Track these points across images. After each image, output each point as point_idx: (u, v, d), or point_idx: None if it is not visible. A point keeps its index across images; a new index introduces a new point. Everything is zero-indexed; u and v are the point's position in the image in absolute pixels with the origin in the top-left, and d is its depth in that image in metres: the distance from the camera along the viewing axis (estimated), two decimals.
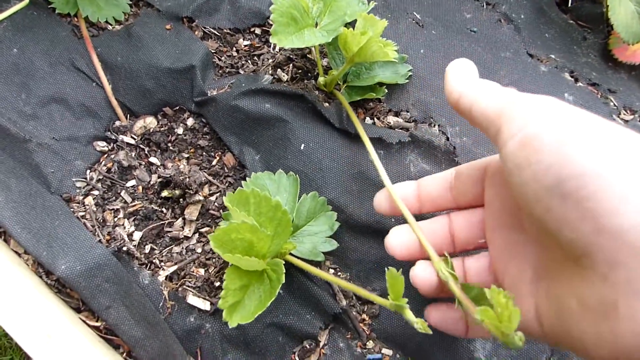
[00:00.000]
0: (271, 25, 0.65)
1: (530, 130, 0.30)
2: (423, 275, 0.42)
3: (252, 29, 0.66)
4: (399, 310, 0.40)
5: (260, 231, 0.44)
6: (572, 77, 0.66)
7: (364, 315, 0.54)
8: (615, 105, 0.64)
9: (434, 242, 0.45)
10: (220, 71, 0.63)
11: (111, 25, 0.64)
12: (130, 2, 0.66)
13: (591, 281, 0.29)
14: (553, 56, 0.67)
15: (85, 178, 0.57)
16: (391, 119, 0.59)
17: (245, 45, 0.65)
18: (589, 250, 0.28)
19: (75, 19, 0.63)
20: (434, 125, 0.59)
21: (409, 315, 0.40)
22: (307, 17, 0.53)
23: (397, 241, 0.45)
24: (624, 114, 0.64)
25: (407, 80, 0.60)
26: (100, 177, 0.57)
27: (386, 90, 0.59)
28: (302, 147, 0.56)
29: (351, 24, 0.53)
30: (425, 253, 0.44)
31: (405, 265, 0.54)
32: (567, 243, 0.29)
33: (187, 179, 0.55)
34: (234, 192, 0.50)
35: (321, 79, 0.59)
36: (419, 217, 0.47)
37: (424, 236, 0.44)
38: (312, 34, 0.53)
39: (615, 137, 0.29)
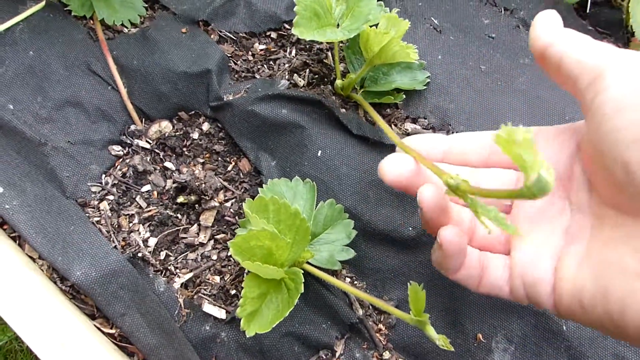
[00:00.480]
0: (287, 29, 0.66)
1: None
2: (430, 194, 0.39)
3: (267, 33, 0.65)
4: (420, 326, 0.40)
5: (280, 239, 0.43)
6: None
7: (381, 325, 0.53)
8: None
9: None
10: (236, 75, 0.62)
11: (127, 28, 0.64)
12: (146, 5, 0.65)
13: None
14: None
15: (101, 182, 0.56)
16: (409, 126, 0.59)
17: (261, 50, 0.64)
18: None
19: (91, 21, 0.63)
20: (452, 132, 0.58)
21: (431, 331, 0.40)
22: (329, 16, 0.53)
23: (393, 166, 0.42)
24: None
25: (425, 87, 0.60)
26: (116, 181, 0.56)
27: (404, 96, 0.59)
28: (319, 154, 0.56)
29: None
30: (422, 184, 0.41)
31: (426, 279, 0.54)
32: None
33: (203, 185, 0.54)
34: (249, 198, 0.50)
35: (339, 82, 0.59)
36: None
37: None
38: (333, 31, 0.52)
39: None
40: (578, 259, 0.35)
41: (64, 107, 0.58)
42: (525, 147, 0.27)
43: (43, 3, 0.61)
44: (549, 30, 0.38)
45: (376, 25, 0.51)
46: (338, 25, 0.54)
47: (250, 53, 0.64)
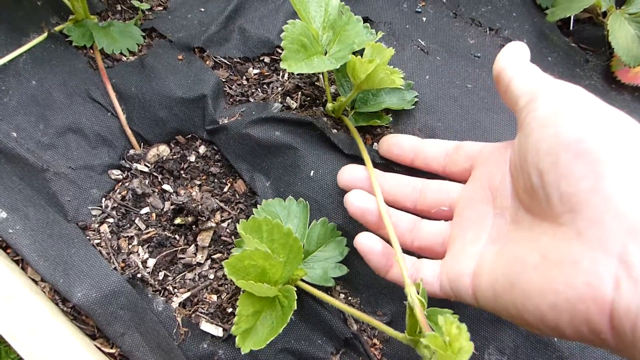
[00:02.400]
0: (280, 53, 0.68)
1: (565, 99, 0.37)
2: (368, 243, 0.48)
3: (261, 58, 0.68)
4: (412, 345, 0.41)
5: (273, 258, 0.45)
6: None
7: (375, 340, 0.54)
8: None
9: (400, 193, 0.51)
10: (231, 99, 0.65)
11: (125, 56, 0.66)
12: (144, 34, 0.68)
13: (563, 237, 0.33)
14: None
15: (101, 206, 0.58)
16: None
17: (255, 74, 0.67)
18: (578, 206, 0.32)
19: (91, 50, 0.66)
20: None
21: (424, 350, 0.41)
22: (316, 44, 0.55)
23: (358, 204, 0.50)
24: None
25: (414, 106, 0.62)
26: (115, 204, 0.58)
27: (391, 118, 0.60)
28: (311, 174, 0.57)
29: (359, 52, 0.55)
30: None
31: None
32: (559, 197, 0.34)
33: (200, 206, 0.56)
34: (245, 219, 0.51)
35: (329, 105, 0.61)
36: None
37: (389, 215, 0.49)
38: (321, 61, 0.54)
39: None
40: (493, 256, 0.39)
41: (65, 133, 0.60)
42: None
43: (45, 34, 0.64)
44: (506, 57, 0.45)
45: (362, 51, 0.54)
46: (326, 52, 0.56)
47: (244, 77, 0.66)
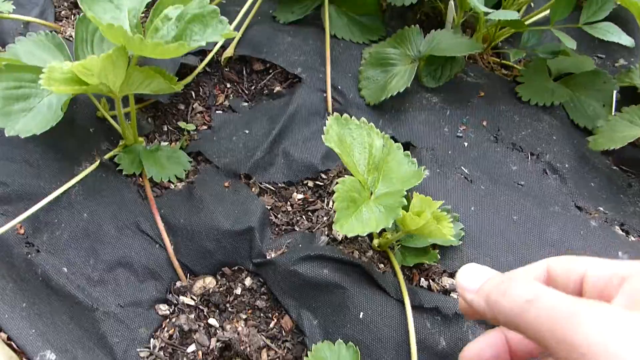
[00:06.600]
0: (324, 179, 0.69)
1: None
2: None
3: (305, 182, 0.69)
4: None
5: None
6: (622, 230, 0.66)
7: None
8: None
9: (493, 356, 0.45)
10: (277, 229, 0.65)
11: (173, 183, 0.67)
12: (190, 159, 0.69)
13: None
14: (601, 208, 0.68)
15: (149, 347, 0.58)
16: (446, 281, 0.60)
17: (299, 199, 0.67)
18: None
19: (140, 178, 0.67)
20: None
21: None
22: (364, 192, 0.56)
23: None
24: None
25: (461, 241, 0.62)
26: (163, 344, 0.58)
27: (439, 256, 0.60)
28: (361, 316, 0.57)
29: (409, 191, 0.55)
30: None
31: None
32: None
33: (247, 348, 0.56)
34: (292, 358, 0.50)
35: (375, 242, 0.61)
36: None
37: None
38: (370, 212, 0.54)
39: None
40: None
41: (114, 268, 0.60)
42: None
43: (97, 163, 0.65)
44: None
45: (410, 191, 0.54)
46: (371, 193, 0.57)
47: (289, 203, 0.67)
